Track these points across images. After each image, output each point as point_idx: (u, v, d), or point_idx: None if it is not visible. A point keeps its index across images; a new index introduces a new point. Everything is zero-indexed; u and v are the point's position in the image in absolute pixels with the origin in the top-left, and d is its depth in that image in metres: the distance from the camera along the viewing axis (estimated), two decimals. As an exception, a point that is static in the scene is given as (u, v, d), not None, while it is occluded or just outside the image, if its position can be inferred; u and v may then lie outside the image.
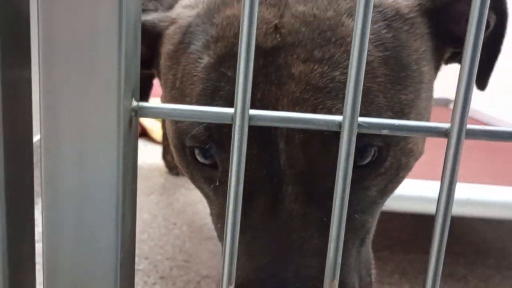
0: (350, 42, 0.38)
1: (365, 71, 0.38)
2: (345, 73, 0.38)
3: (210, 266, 0.97)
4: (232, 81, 0.39)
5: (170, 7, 0.53)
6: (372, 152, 0.41)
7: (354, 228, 0.42)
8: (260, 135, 0.39)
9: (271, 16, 0.40)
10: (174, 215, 1.19)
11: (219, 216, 0.44)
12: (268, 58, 0.39)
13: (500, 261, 1.08)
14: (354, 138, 0.25)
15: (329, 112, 0.37)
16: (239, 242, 0.40)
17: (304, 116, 0.25)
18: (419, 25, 0.43)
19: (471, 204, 0.85)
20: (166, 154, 1.49)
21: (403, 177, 0.46)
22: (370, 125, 0.25)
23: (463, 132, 0.25)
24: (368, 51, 0.38)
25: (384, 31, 0.41)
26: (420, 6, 0.44)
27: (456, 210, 0.84)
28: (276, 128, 0.38)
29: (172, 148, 0.49)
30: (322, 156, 0.39)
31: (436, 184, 0.27)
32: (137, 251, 0.86)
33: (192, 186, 0.48)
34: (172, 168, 1.48)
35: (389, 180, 0.43)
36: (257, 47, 0.39)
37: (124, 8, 0.23)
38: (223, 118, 0.24)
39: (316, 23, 0.39)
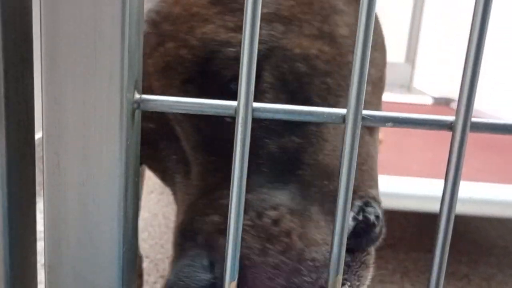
0: None
1: None
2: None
3: (212, 265, 0.97)
4: None
5: None
6: None
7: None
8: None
9: None
10: (175, 213, 1.19)
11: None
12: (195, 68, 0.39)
13: (503, 260, 1.08)
14: (358, 131, 0.25)
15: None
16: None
17: (308, 108, 0.25)
18: None
19: (473, 203, 0.85)
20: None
21: None
22: (374, 118, 0.25)
23: (468, 125, 0.25)
24: None
25: None
26: None
27: (459, 208, 0.83)
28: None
29: None
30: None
31: (439, 183, 0.27)
32: (138, 250, 0.86)
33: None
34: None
35: None
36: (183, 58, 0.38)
37: (128, 0, 0.23)
38: (226, 110, 0.24)
39: None
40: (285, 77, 0.38)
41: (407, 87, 2.33)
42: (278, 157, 0.38)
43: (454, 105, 1.79)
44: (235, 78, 0.36)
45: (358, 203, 0.38)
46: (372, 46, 0.42)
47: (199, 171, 0.39)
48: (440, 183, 0.26)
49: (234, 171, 0.24)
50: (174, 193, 0.44)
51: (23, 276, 0.29)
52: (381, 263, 1.04)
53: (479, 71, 0.24)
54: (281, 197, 0.37)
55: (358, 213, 0.38)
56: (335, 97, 0.39)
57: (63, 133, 0.24)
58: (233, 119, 0.37)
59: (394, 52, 2.35)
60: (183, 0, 0.39)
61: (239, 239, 0.25)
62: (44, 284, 0.26)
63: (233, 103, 0.24)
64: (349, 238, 0.36)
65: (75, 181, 0.24)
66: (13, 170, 0.27)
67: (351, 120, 0.24)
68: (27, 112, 0.28)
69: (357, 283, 0.38)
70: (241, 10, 0.37)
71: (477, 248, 1.13)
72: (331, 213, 0.37)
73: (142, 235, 1.07)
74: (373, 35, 0.43)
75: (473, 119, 0.25)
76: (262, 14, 0.37)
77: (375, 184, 0.42)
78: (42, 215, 0.25)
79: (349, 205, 0.25)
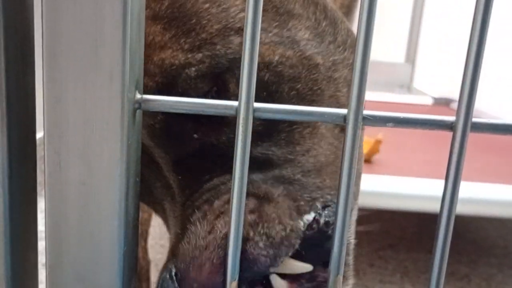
0: None
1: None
2: None
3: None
4: None
5: None
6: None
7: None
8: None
9: None
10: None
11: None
12: None
13: (503, 260, 1.08)
14: (359, 132, 0.25)
15: None
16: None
17: (309, 109, 0.25)
18: None
19: (473, 203, 0.85)
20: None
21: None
22: (375, 118, 0.25)
23: (469, 125, 0.25)
24: None
25: None
26: None
27: (459, 208, 0.84)
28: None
29: None
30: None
31: (439, 183, 0.27)
32: (138, 250, 0.85)
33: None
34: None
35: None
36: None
37: (129, 0, 0.23)
38: (227, 110, 0.24)
39: None
40: None
41: (407, 87, 2.34)
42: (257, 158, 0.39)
43: (454, 106, 1.79)
44: (206, 93, 0.37)
45: (318, 204, 0.38)
46: (341, 46, 0.42)
47: (177, 192, 0.40)
48: (441, 183, 0.26)
49: (235, 171, 0.25)
50: (165, 222, 0.45)
51: (24, 275, 0.29)
52: (381, 263, 1.04)
53: (479, 72, 0.24)
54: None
55: (313, 220, 0.37)
56: (308, 102, 0.39)
57: (64, 132, 0.24)
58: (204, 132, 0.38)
59: (394, 52, 2.35)
60: None
61: (240, 240, 0.25)
62: (45, 284, 0.26)
63: (234, 103, 0.24)
64: (303, 249, 0.35)
65: (76, 181, 0.24)
66: (14, 170, 0.27)
67: (352, 120, 0.24)
68: (28, 112, 0.28)
69: None
70: (194, 30, 0.37)
71: (477, 248, 1.13)
72: (298, 199, 0.38)
73: (143, 235, 1.06)
74: (343, 35, 0.42)
75: (474, 119, 0.25)
76: (215, 30, 0.37)
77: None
78: (43, 215, 0.25)
79: (349, 207, 0.25)
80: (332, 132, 0.41)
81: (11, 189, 0.26)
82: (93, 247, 0.25)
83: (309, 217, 0.37)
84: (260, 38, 0.39)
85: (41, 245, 0.28)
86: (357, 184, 0.45)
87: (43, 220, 0.26)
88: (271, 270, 0.34)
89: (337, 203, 0.25)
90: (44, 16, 0.23)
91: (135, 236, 0.27)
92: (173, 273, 0.34)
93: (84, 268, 0.25)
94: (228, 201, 0.35)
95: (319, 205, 0.38)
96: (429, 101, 1.91)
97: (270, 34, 0.39)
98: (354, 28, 0.33)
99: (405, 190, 0.86)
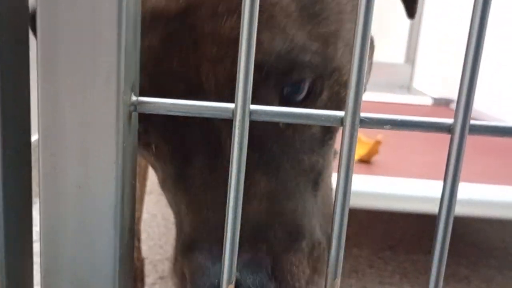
0: None
1: (278, 11, 0.38)
2: None
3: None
4: None
5: None
6: (306, 86, 0.40)
7: (303, 170, 0.42)
8: (191, 93, 0.38)
9: None
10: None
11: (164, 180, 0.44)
12: (176, 23, 0.38)
13: (502, 262, 1.08)
14: (356, 134, 0.24)
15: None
16: (184, 203, 0.40)
17: (305, 111, 0.25)
18: None
19: (473, 204, 0.84)
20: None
21: None
22: (372, 121, 0.25)
23: (467, 128, 0.24)
24: None
25: None
26: None
27: (458, 210, 0.83)
28: (205, 80, 0.38)
29: None
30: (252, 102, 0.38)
31: (439, 184, 0.27)
32: (137, 251, 0.85)
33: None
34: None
35: None
36: (161, 14, 0.38)
37: (124, 1, 0.23)
38: (223, 112, 0.24)
39: None
40: (340, 90, 0.42)
41: (407, 88, 2.34)
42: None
43: (454, 106, 1.79)
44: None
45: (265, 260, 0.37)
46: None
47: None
48: (440, 184, 0.25)
49: (231, 174, 0.24)
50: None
51: (20, 277, 0.28)
52: (380, 264, 1.03)
53: (477, 74, 0.24)
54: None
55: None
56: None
57: (59, 135, 0.24)
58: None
59: (394, 53, 2.35)
60: None
61: (236, 243, 0.25)
62: (40, 286, 0.26)
63: (231, 105, 0.24)
64: None
65: (72, 184, 0.24)
66: (9, 172, 0.26)
67: (349, 123, 0.24)
68: (23, 114, 0.28)
69: None
70: None
71: (476, 250, 1.13)
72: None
73: (141, 236, 1.06)
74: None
75: (472, 122, 0.25)
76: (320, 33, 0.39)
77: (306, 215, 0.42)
78: (39, 216, 0.25)
79: (347, 209, 0.25)
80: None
81: (6, 191, 0.26)
82: (89, 250, 0.25)
83: None
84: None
85: (37, 247, 0.27)
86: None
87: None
88: None
89: (334, 207, 0.25)
90: (39, 18, 0.23)
91: (131, 240, 0.27)
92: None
93: (79, 271, 0.25)
94: None
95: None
96: (428, 102, 1.91)
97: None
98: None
99: (404, 191, 0.85)
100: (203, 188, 0.39)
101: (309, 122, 0.25)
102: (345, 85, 0.42)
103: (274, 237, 0.37)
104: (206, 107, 0.24)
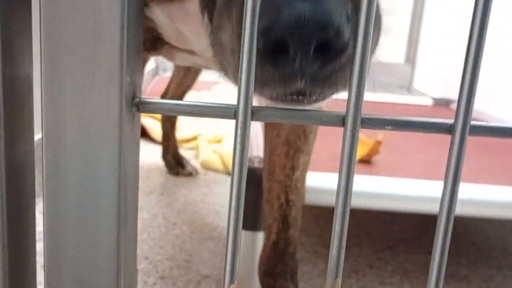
0: None
1: None
2: None
3: (211, 266, 0.97)
4: None
5: None
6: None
7: None
8: None
9: None
10: (174, 214, 1.19)
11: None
12: None
13: (502, 261, 1.08)
14: (357, 134, 0.25)
15: None
16: None
17: (307, 112, 0.25)
18: None
19: (473, 204, 0.85)
20: (166, 154, 1.49)
21: None
22: (373, 121, 0.25)
23: (467, 128, 0.25)
24: None
25: None
26: None
27: (458, 210, 0.84)
28: None
29: None
30: None
31: (439, 184, 0.27)
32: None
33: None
34: (172, 168, 1.48)
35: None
36: None
37: (127, 1, 0.23)
38: (225, 114, 0.24)
39: None
40: None
41: (407, 88, 2.34)
42: None
43: (454, 106, 1.79)
44: None
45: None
46: None
47: None
48: (440, 184, 0.26)
49: (233, 174, 0.24)
50: None
51: (23, 277, 0.29)
52: (380, 264, 1.04)
53: (478, 74, 0.24)
54: None
55: None
56: None
57: (62, 135, 0.24)
58: None
59: (394, 53, 2.36)
60: None
61: (238, 243, 0.25)
62: (43, 286, 0.26)
63: (233, 106, 0.24)
64: None
65: (74, 183, 0.24)
66: (12, 172, 0.27)
67: (351, 123, 0.24)
68: (26, 114, 0.28)
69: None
70: None
71: (476, 250, 1.13)
72: None
73: (142, 236, 1.07)
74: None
75: (472, 123, 0.25)
76: None
77: None
78: (42, 216, 0.25)
79: (348, 208, 0.25)
80: None
81: (9, 191, 0.26)
82: (91, 249, 0.25)
83: None
84: None
85: (40, 246, 0.28)
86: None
87: (42, 222, 0.26)
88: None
89: (335, 206, 0.25)
90: (42, 18, 0.23)
91: (133, 239, 0.27)
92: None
93: (82, 270, 0.25)
94: None
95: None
96: (429, 102, 1.91)
97: None
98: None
99: (405, 191, 0.86)
100: None
101: (310, 122, 0.25)
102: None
103: None
104: (208, 107, 0.25)
